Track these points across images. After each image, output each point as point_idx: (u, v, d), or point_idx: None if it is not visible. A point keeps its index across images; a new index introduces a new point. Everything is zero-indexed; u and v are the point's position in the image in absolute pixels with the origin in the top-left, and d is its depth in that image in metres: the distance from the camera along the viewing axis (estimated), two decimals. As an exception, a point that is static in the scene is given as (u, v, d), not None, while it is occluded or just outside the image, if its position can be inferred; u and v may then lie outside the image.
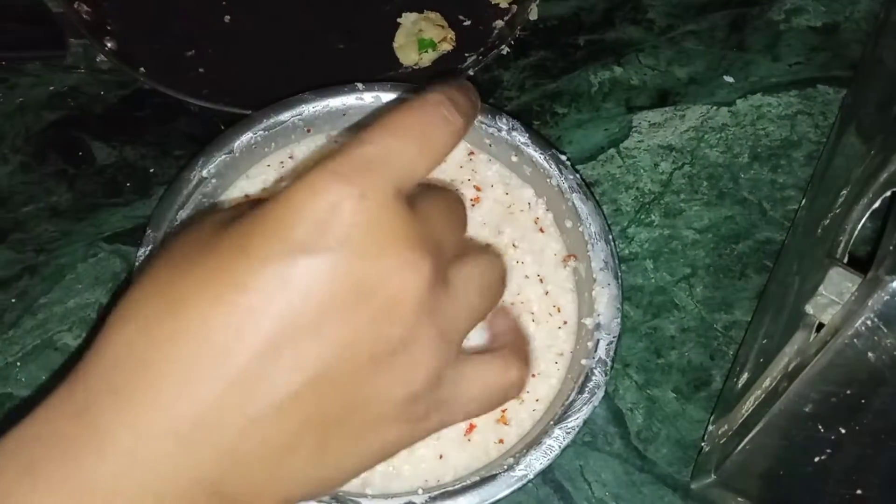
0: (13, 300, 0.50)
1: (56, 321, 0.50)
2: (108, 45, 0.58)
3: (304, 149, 0.51)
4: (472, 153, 0.52)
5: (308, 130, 0.51)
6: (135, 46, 0.59)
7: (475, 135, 0.51)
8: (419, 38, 0.60)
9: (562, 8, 0.64)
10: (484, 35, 0.62)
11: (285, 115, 0.49)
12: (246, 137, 0.48)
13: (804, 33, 0.64)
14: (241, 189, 0.50)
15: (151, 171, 0.55)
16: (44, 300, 0.50)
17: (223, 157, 0.48)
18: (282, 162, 0.51)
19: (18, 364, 0.48)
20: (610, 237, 0.47)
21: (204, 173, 0.47)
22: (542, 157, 0.49)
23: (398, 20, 0.62)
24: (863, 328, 0.32)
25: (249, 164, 0.50)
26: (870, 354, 0.33)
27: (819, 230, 0.45)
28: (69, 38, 0.59)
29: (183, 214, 0.46)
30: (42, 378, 0.48)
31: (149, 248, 0.45)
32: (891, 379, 0.33)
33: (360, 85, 0.50)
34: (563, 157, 0.49)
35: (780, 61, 0.63)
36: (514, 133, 0.50)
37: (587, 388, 0.43)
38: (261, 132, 0.49)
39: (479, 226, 0.49)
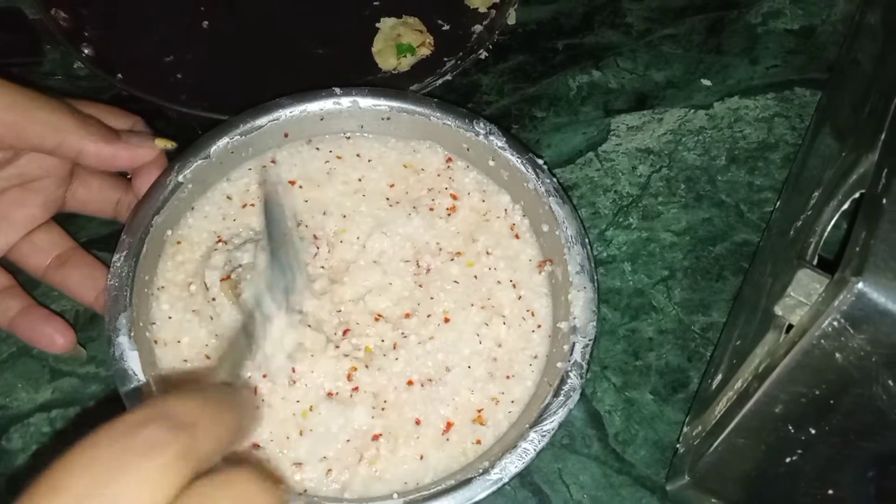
0: (-11, 307, 0.50)
1: (32, 328, 0.49)
2: (86, 51, 0.58)
3: (285, 153, 0.51)
4: (449, 160, 0.52)
5: (286, 135, 0.51)
6: (112, 53, 0.59)
7: (453, 140, 0.51)
8: (397, 42, 0.60)
9: (540, 12, 0.65)
10: (462, 39, 0.62)
11: (262, 120, 0.49)
12: (223, 142, 0.48)
13: (781, 36, 0.65)
14: (222, 191, 0.50)
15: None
16: (20, 307, 0.50)
17: (199, 162, 0.48)
18: (264, 166, 0.51)
19: (-6, 372, 0.48)
20: (586, 241, 0.47)
21: (180, 178, 0.47)
22: (520, 160, 0.49)
23: (376, 25, 0.62)
24: (829, 329, 0.32)
25: (228, 169, 0.50)
26: (837, 355, 0.33)
27: (792, 232, 0.45)
28: (46, 45, 0.59)
29: (159, 220, 0.46)
30: (18, 385, 0.48)
31: (123, 253, 0.45)
32: (858, 379, 0.33)
33: (337, 90, 0.51)
34: (541, 161, 0.49)
35: (757, 64, 0.63)
36: (491, 137, 0.50)
37: (563, 392, 0.43)
38: (238, 137, 0.49)
39: (452, 235, 0.50)
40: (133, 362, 0.42)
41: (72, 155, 0.44)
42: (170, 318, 0.46)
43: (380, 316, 0.46)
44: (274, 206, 0.45)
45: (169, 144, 0.46)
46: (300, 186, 0.50)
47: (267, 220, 0.44)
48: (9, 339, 0.49)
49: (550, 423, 0.42)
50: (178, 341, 0.45)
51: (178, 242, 0.48)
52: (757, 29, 0.65)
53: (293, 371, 0.44)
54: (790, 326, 0.36)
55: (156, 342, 0.45)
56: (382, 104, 0.51)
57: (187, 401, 0.26)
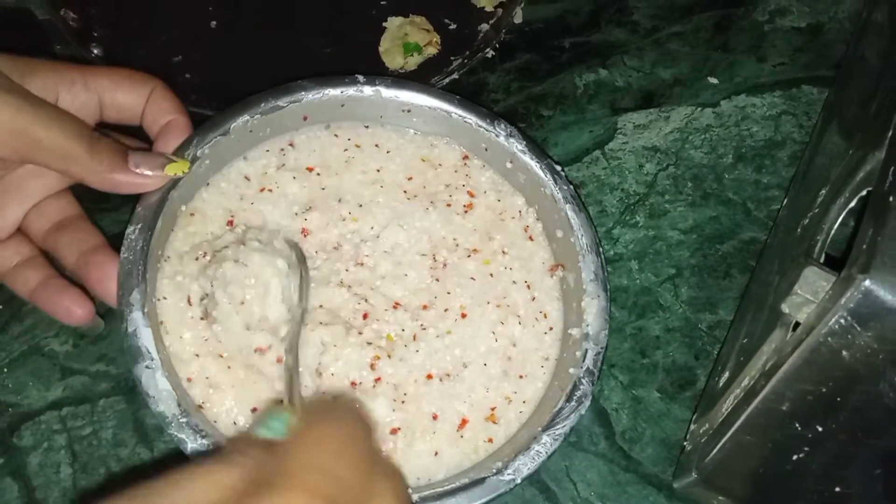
0: (0, 306, 0.50)
1: (43, 327, 0.50)
2: (95, 51, 0.59)
3: (303, 137, 0.51)
4: (466, 157, 0.52)
5: (305, 118, 0.50)
6: (121, 53, 0.59)
7: (472, 138, 0.51)
8: (404, 41, 0.60)
9: (547, 11, 0.65)
10: (469, 38, 0.62)
11: (283, 101, 0.49)
12: (242, 120, 0.48)
13: (788, 34, 0.65)
14: (238, 170, 0.49)
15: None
16: (31, 306, 0.50)
17: (217, 137, 0.47)
18: (282, 149, 0.50)
19: (5, 370, 0.49)
20: (600, 249, 0.47)
21: (198, 153, 0.46)
22: (539, 166, 0.49)
23: (384, 24, 0.62)
24: (836, 326, 0.33)
25: (245, 147, 0.50)
26: (844, 353, 0.33)
27: (799, 230, 0.45)
28: (56, 45, 0.60)
29: (174, 194, 0.45)
30: (29, 384, 0.48)
31: (138, 226, 0.44)
32: (865, 376, 0.33)
33: (360, 77, 0.50)
34: (558, 167, 0.49)
35: (764, 62, 0.63)
36: (511, 140, 0.50)
37: (575, 397, 0.43)
38: (258, 116, 0.48)
39: (469, 232, 0.50)
40: (146, 339, 0.41)
41: (75, 180, 0.43)
42: (165, 297, 0.45)
43: (398, 304, 0.47)
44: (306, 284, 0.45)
45: (181, 171, 0.44)
46: (318, 174, 0.50)
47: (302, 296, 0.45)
48: (20, 338, 0.49)
49: (562, 428, 0.42)
50: (181, 335, 0.45)
51: (192, 214, 0.47)
52: (764, 27, 0.65)
53: (319, 363, 0.45)
54: (797, 324, 0.37)
55: (161, 323, 0.44)
56: (405, 95, 0.51)
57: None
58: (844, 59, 0.62)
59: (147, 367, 0.41)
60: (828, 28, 0.65)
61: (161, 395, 0.40)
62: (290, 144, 0.51)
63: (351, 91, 0.50)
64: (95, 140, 0.42)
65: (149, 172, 0.43)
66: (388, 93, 0.50)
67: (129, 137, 0.47)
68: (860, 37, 0.59)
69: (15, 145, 0.40)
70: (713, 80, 0.62)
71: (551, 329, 0.48)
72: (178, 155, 0.46)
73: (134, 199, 0.51)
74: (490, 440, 0.44)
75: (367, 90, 0.50)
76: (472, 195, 0.51)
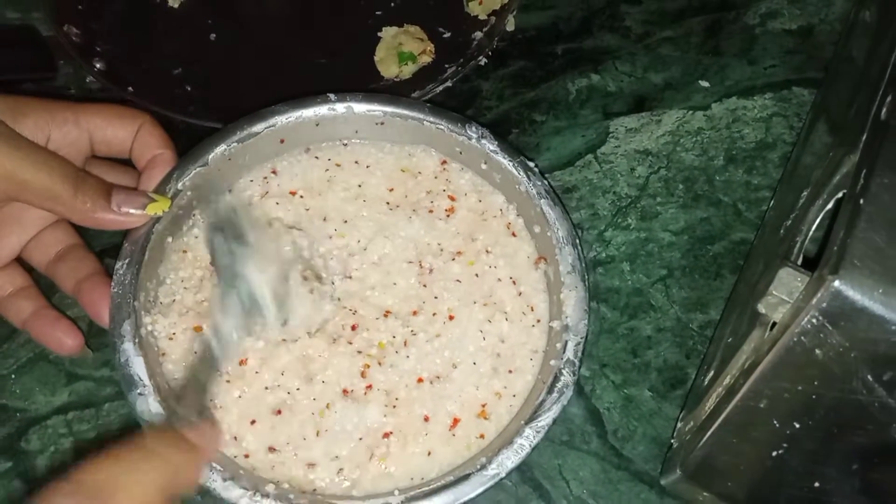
0: (8, 315, 0.52)
1: (49, 334, 0.51)
2: (97, 65, 0.60)
3: (285, 164, 0.52)
4: (444, 162, 0.53)
5: (282, 141, 0.52)
6: (123, 66, 0.61)
7: (446, 143, 0.52)
8: (399, 51, 0.62)
9: (539, 18, 0.66)
10: (463, 46, 0.63)
11: (258, 127, 0.50)
12: (220, 149, 0.49)
13: (779, 36, 0.65)
14: (226, 203, 0.50)
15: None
16: (37, 314, 0.52)
17: (197, 169, 0.49)
18: (265, 177, 0.52)
19: (13, 376, 0.50)
20: (577, 241, 0.48)
21: (179, 186, 0.48)
22: (511, 164, 0.50)
23: (379, 34, 0.63)
24: (809, 326, 0.33)
25: (226, 176, 0.51)
26: (817, 351, 0.34)
27: (782, 230, 0.46)
28: (59, 60, 0.61)
29: (159, 227, 0.47)
30: (35, 389, 0.50)
31: (126, 261, 0.46)
32: (839, 374, 0.34)
33: (332, 95, 0.51)
34: (532, 164, 0.51)
35: (755, 64, 0.64)
36: (483, 141, 0.51)
37: (556, 388, 0.44)
38: (234, 144, 0.50)
39: (452, 235, 0.51)
40: (139, 368, 0.43)
41: (60, 217, 0.46)
42: (173, 333, 0.47)
43: (388, 312, 0.48)
44: (216, 237, 0.45)
45: (161, 210, 0.46)
46: (301, 196, 0.51)
47: (211, 250, 0.45)
48: (27, 345, 0.51)
49: (545, 420, 0.43)
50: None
51: (184, 251, 0.49)
52: (755, 30, 0.66)
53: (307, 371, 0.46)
54: (774, 324, 0.37)
55: (163, 355, 0.46)
56: (377, 109, 0.52)
57: (106, 474, 0.33)
58: (832, 59, 0.63)
59: (140, 393, 0.42)
60: (818, 30, 0.66)
61: (155, 419, 0.42)
62: (273, 172, 0.52)
63: (324, 110, 0.51)
64: (80, 181, 0.44)
65: (131, 211, 0.45)
66: (360, 108, 0.52)
67: (121, 167, 0.50)
68: (848, 36, 0.60)
69: (4, 188, 0.42)
70: (704, 84, 0.63)
71: (538, 322, 0.49)
72: (160, 190, 0.47)
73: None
74: (482, 436, 0.45)
75: (340, 107, 0.51)
76: (452, 199, 0.52)
